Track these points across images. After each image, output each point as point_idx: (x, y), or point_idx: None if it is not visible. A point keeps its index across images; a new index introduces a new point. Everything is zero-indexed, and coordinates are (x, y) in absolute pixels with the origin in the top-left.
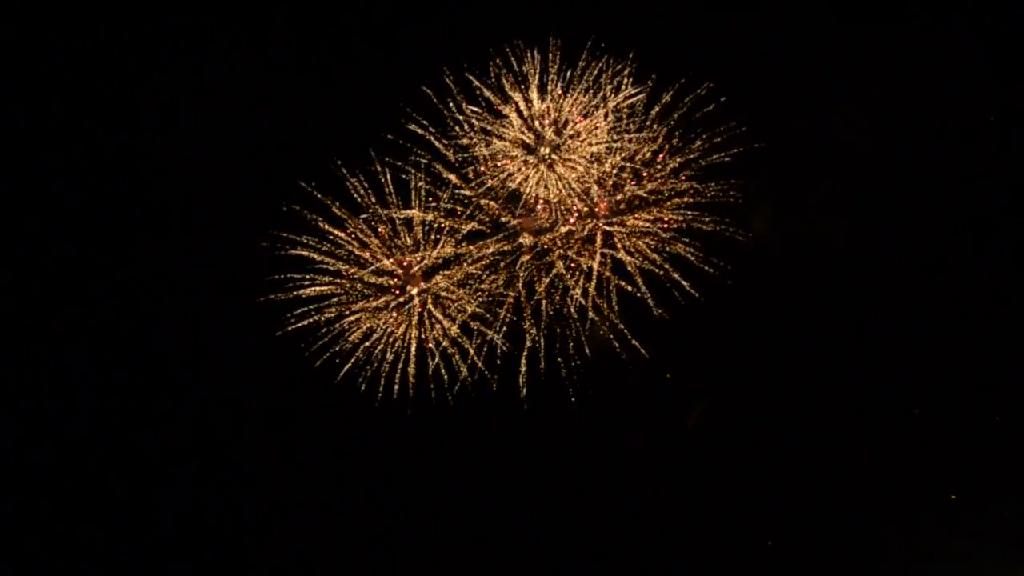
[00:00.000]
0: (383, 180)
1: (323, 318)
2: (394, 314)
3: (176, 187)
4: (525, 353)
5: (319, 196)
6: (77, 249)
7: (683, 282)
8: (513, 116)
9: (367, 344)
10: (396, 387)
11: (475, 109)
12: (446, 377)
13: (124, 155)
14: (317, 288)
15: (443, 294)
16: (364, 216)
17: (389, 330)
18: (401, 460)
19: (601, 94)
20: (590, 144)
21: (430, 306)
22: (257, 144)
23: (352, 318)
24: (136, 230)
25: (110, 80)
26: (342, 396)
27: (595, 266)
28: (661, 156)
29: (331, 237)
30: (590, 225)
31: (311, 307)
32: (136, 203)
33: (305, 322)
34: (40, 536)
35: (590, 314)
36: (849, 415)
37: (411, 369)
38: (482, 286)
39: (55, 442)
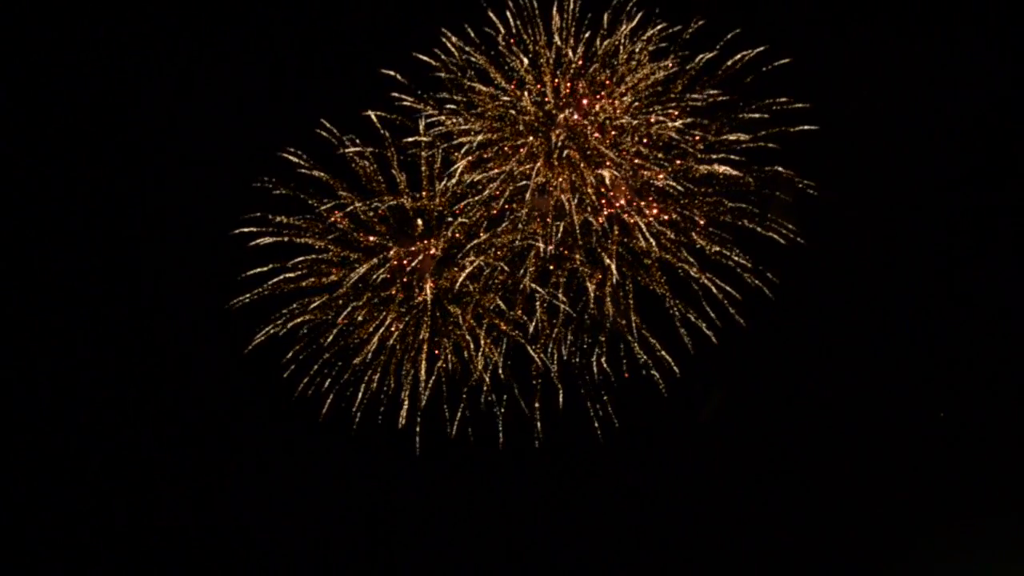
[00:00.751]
0: (388, 157)
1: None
2: (401, 312)
3: (149, 163)
4: (538, 352)
5: (315, 174)
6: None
7: (699, 275)
8: (524, 96)
9: (373, 339)
10: (404, 406)
11: (483, 88)
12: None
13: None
14: (309, 280)
15: (458, 289)
16: (361, 205)
17: (396, 328)
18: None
19: (620, 72)
20: (608, 127)
21: (444, 303)
22: (233, 117)
23: (359, 315)
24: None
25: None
26: (343, 403)
27: (612, 260)
28: (695, 138)
29: (335, 224)
30: (606, 215)
31: (298, 305)
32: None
33: (294, 323)
34: None
35: (607, 307)
36: (863, 414)
37: (422, 369)
38: (496, 280)
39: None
